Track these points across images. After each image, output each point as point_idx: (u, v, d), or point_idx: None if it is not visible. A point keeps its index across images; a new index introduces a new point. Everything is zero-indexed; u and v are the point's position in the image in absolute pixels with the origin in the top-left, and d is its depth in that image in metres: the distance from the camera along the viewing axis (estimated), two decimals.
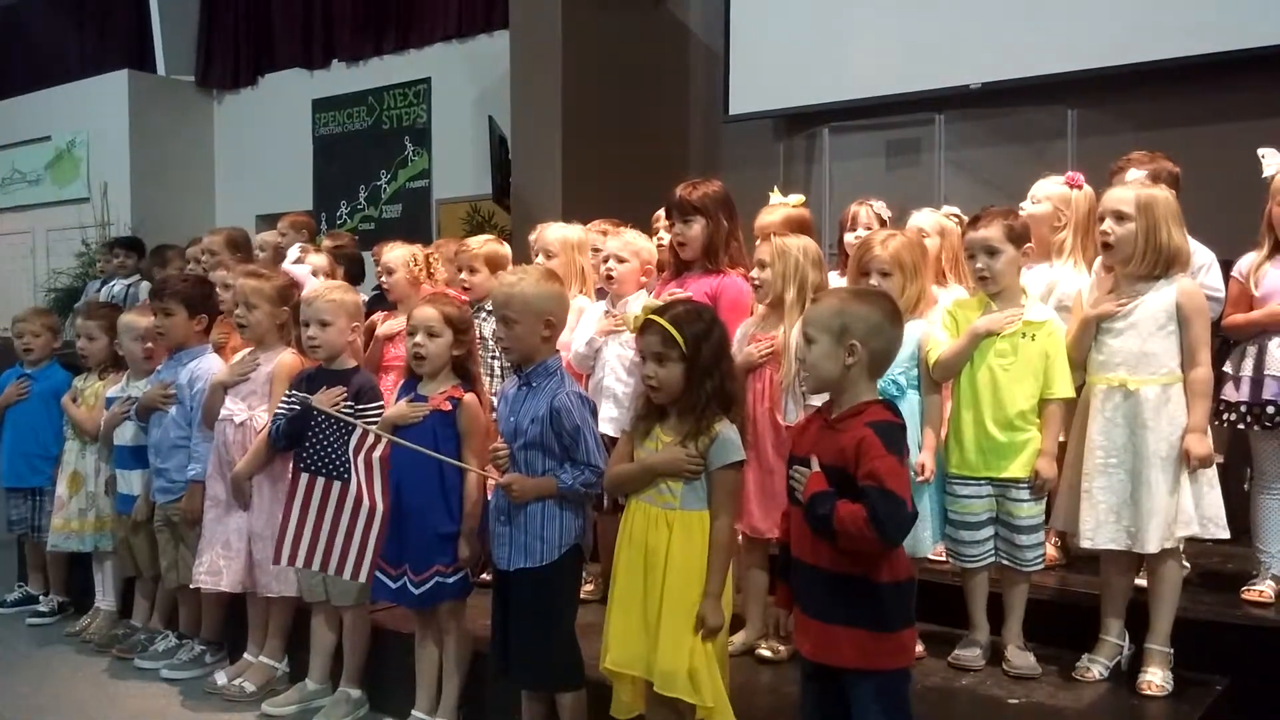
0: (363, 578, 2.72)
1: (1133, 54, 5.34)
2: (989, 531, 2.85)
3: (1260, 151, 3.10)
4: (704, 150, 7.01)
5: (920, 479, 2.79)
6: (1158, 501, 2.66)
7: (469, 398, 2.95)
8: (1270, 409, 2.98)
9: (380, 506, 2.63)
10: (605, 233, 3.90)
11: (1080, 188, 3.33)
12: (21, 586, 4.63)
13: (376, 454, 2.65)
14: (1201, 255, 3.17)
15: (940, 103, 5.86)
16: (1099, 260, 3.11)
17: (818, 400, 2.75)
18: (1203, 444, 2.66)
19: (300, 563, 2.73)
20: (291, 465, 2.88)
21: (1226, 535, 2.74)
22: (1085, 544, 2.78)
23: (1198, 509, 2.69)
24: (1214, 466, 2.73)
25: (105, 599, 4.19)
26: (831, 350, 2.14)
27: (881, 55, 6.09)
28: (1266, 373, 2.98)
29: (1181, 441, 2.67)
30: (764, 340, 3.00)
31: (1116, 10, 5.41)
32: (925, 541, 2.85)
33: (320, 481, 2.65)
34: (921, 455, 2.83)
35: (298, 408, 3.17)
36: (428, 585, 2.90)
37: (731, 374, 2.46)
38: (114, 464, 4.00)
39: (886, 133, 6.25)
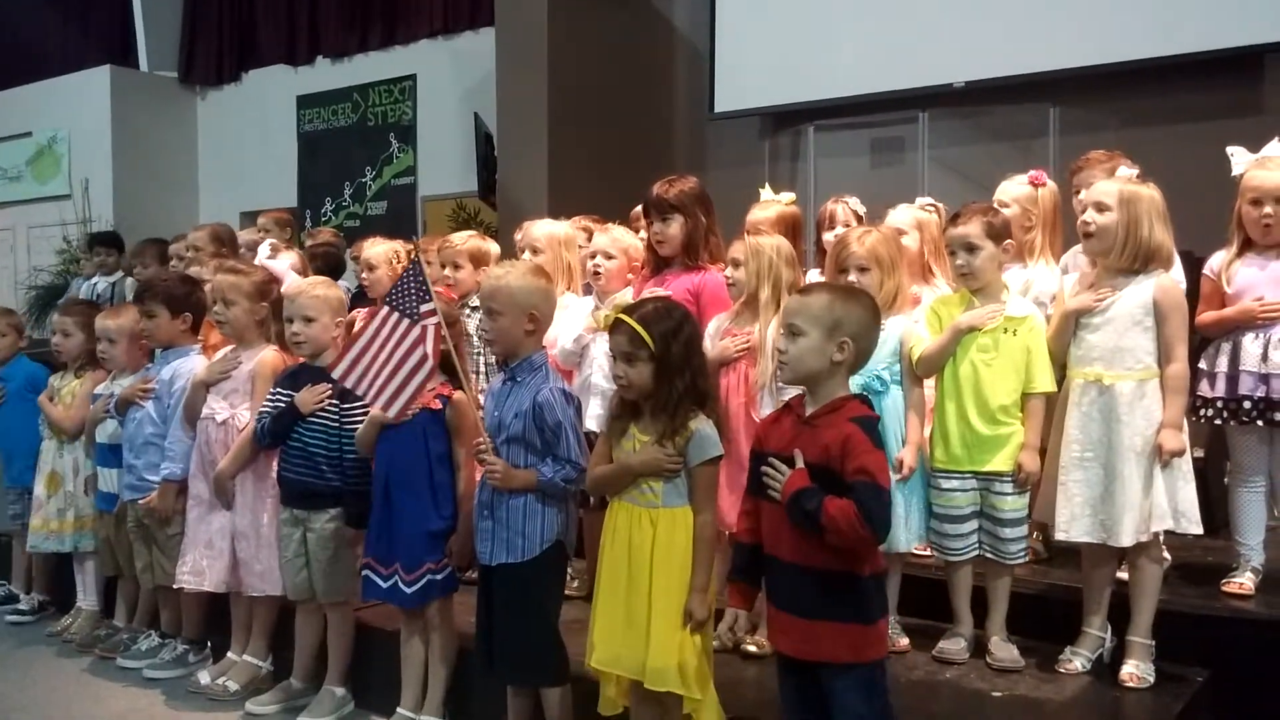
0: (392, 414, 2.81)
1: (1114, 53, 5.40)
2: (973, 525, 2.87)
3: (1229, 150, 3.12)
4: (689, 147, 7.01)
5: (899, 477, 2.79)
6: (1131, 496, 2.68)
7: (459, 395, 2.94)
8: (1247, 404, 2.99)
9: (431, 360, 2.75)
10: (587, 230, 3.89)
11: (1044, 184, 3.35)
12: (4, 585, 4.60)
13: (432, 322, 2.77)
14: None
15: (924, 101, 5.90)
16: (1076, 250, 3.13)
17: (791, 394, 2.77)
18: (1176, 439, 2.68)
19: (351, 383, 2.80)
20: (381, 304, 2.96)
21: (1199, 530, 2.76)
22: (1060, 536, 2.80)
23: (1171, 503, 2.70)
24: (1189, 462, 2.75)
25: (87, 599, 4.16)
26: (820, 345, 2.14)
27: (866, 54, 6.12)
28: (1242, 368, 2.99)
29: (1156, 436, 2.69)
30: (740, 335, 3.00)
31: (1098, 10, 5.46)
32: (899, 539, 2.85)
33: (394, 316, 2.76)
34: (903, 451, 2.84)
35: (283, 405, 3.18)
36: (420, 584, 2.89)
37: (704, 370, 2.46)
38: (96, 461, 3.97)
39: (871, 130, 6.29)
